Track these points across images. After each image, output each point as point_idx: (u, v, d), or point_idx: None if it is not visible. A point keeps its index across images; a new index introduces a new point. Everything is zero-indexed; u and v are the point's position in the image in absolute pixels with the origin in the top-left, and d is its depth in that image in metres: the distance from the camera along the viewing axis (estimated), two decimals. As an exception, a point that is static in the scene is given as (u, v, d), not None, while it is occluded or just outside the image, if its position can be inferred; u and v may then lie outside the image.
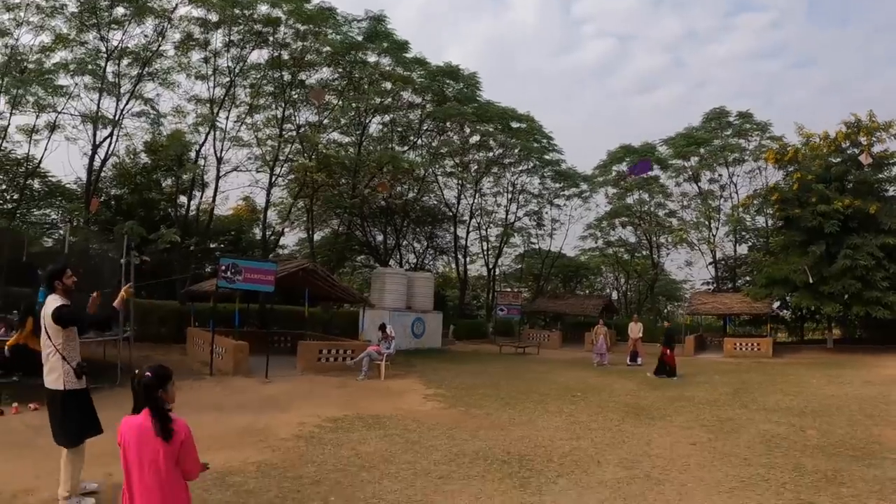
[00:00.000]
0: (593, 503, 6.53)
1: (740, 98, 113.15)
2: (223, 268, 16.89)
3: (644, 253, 45.74)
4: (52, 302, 5.78)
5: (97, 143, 26.50)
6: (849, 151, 30.42)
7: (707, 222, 40.23)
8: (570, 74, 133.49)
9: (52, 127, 26.49)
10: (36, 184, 28.52)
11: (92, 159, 26.80)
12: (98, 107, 26.00)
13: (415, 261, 42.66)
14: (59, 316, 5.73)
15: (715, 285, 40.26)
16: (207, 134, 28.12)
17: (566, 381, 17.56)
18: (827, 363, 23.33)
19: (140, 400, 3.77)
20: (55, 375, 5.77)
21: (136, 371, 3.88)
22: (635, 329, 24.60)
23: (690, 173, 40.44)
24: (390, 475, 7.31)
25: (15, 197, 27.78)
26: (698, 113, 67.66)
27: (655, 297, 47.31)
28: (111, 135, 26.92)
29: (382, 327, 18.67)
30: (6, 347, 11.59)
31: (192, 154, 29.27)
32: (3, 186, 28.29)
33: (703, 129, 39.07)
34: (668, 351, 19.69)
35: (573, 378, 18.50)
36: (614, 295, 50.84)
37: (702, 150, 38.79)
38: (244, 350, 17.05)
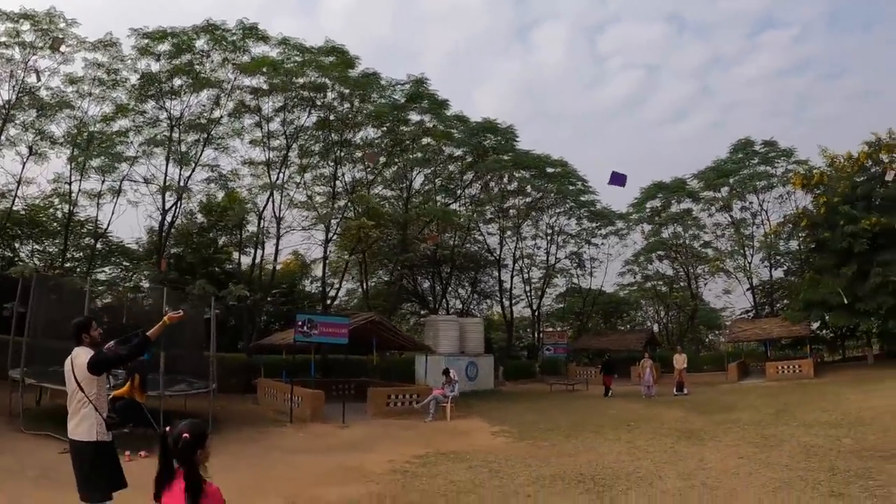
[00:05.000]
0: (660, 506, 7.92)
1: (770, 118, 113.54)
2: (300, 323, 18.52)
3: (682, 284, 46.65)
4: (83, 353, 5.73)
5: (166, 208, 28.80)
6: (872, 170, 31.44)
7: (742, 250, 41.27)
8: (600, 109, 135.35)
9: (117, 191, 28.92)
10: (98, 244, 30.48)
11: (162, 223, 29.01)
12: (165, 174, 28.45)
13: (460, 306, 44.04)
14: (96, 362, 5.69)
15: (754, 311, 41.06)
16: (269, 196, 29.96)
17: (618, 413, 18.81)
18: (866, 379, 24.19)
19: (171, 461, 3.57)
20: (86, 426, 5.63)
21: (168, 428, 3.64)
22: (680, 360, 25.88)
23: (722, 203, 41.61)
24: (486, 497, 8.70)
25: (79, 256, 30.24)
26: (729, 137, 68.79)
27: (696, 328, 47.99)
28: (179, 199, 29.15)
29: (446, 371, 20.12)
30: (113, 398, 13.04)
31: (254, 215, 31.26)
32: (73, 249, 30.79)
33: (731, 161, 40.38)
34: (607, 376, 25.79)
35: (624, 410, 19.73)
36: (655, 328, 51.61)
37: (731, 181, 40.06)
38: (321, 398, 18.52)
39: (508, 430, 15.71)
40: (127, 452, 11.38)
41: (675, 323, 53.01)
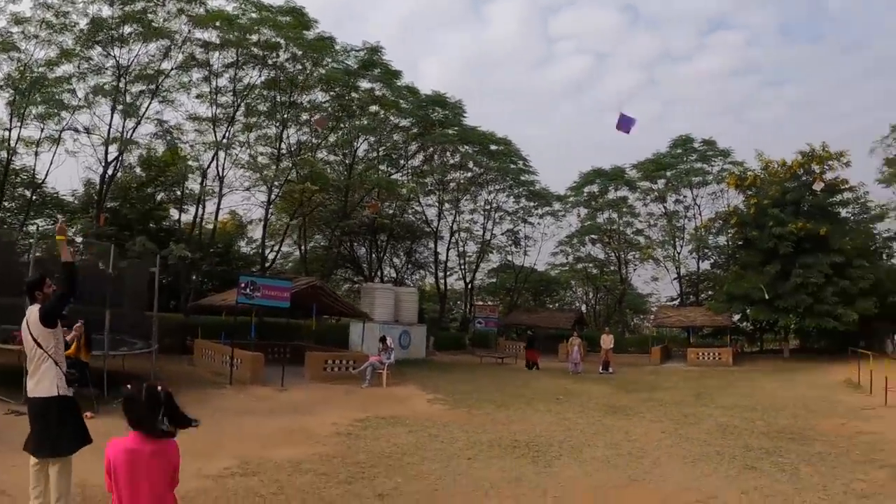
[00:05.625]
0: (590, 470, 8.58)
1: (711, 116, 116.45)
2: (243, 285, 18.63)
3: (612, 269, 48.16)
4: (36, 310, 5.51)
5: (108, 161, 28.11)
6: (804, 178, 33.02)
7: (672, 240, 42.96)
8: (546, 89, 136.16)
9: (57, 140, 28.04)
10: (28, 193, 29.81)
11: (104, 175, 28.30)
12: (109, 126, 27.72)
13: (395, 275, 44.51)
14: (45, 313, 5.47)
15: (679, 300, 42.80)
16: (215, 155, 29.72)
17: (547, 387, 19.64)
18: (781, 370, 25.73)
19: (145, 418, 3.42)
20: (47, 383, 5.46)
21: (131, 385, 3.50)
22: (607, 340, 27.07)
23: (657, 194, 43.11)
24: (429, 459, 9.19)
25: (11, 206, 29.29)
26: (670, 130, 70.67)
27: (623, 311, 49.67)
28: (122, 152, 28.49)
29: (383, 339, 20.54)
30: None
31: (197, 173, 30.95)
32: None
33: (670, 155, 41.88)
34: (532, 350, 27.27)
35: (553, 384, 20.57)
36: (583, 308, 53.13)
37: (668, 174, 41.58)
38: (260, 361, 18.67)
39: (443, 399, 16.26)
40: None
41: (602, 305, 54.74)
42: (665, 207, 43.77)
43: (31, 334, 5.48)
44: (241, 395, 16.05)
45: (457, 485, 7.77)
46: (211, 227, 32.35)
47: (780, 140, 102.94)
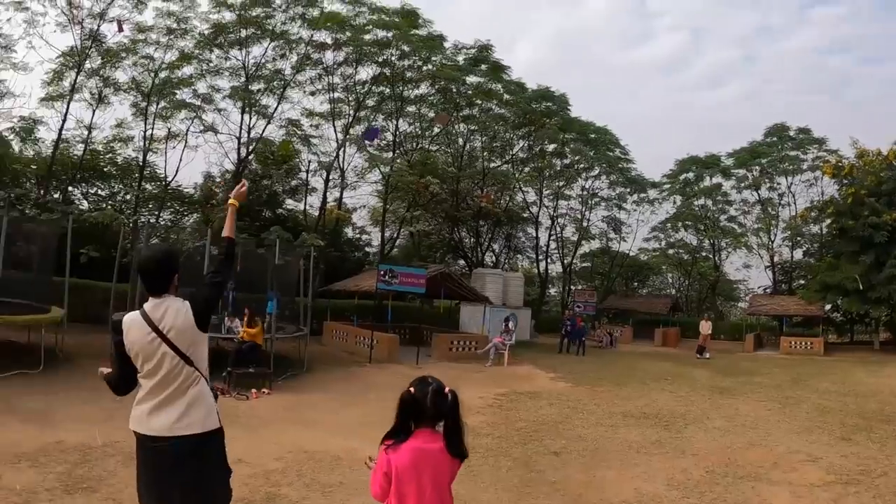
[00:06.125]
0: (715, 436, 10.72)
1: (808, 94, 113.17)
2: (382, 272, 21.28)
3: (704, 255, 49.13)
4: (175, 308, 3.78)
5: (240, 157, 31.22)
6: (899, 169, 33.60)
7: (766, 228, 43.84)
8: (640, 66, 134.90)
9: (183, 138, 30.99)
10: (152, 188, 32.32)
11: (237, 169, 31.09)
12: (240, 127, 30.75)
13: (494, 260, 46.69)
14: (204, 308, 3.89)
15: (772, 288, 43.68)
16: (340, 148, 32.56)
17: (652, 370, 21.56)
18: (871, 361, 26.82)
19: (435, 415, 3.42)
20: (204, 410, 3.81)
21: (411, 389, 3.44)
22: (706, 326, 28.77)
23: (751, 182, 43.93)
24: (578, 426, 11.41)
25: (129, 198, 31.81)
26: (764, 111, 70.14)
27: (716, 298, 50.49)
28: (249, 149, 31.44)
29: (507, 321, 22.89)
30: (241, 340, 15.01)
31: (315, 164, 34.00)
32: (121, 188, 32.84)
33: (765, 143, 42.70)
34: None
35: (654, 367, 22.46)
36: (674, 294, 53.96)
37: (763, 162, 42.47)
38: (396, 341, 21.35)
39: (563, 377, 18.47)
40: (253, 391, 13.29)
41: (694, 291, 55.63)
42: (759, 195, 44.52)
43: (173, 347, 3.72)
44: (383, 372, 18.11)
45: (611, 444, 9.96)
46: (328, 216, 35.01)
47: (877, 120, 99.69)
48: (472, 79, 35.20)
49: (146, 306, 3.80)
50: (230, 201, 4.39)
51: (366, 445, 4.42)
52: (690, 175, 46.08)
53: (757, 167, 43.13)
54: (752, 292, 45.47)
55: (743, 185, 44.51)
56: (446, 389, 3.45)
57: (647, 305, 41.25)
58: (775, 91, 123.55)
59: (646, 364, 23.61)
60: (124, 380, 3.87)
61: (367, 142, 24.78)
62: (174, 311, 3.75)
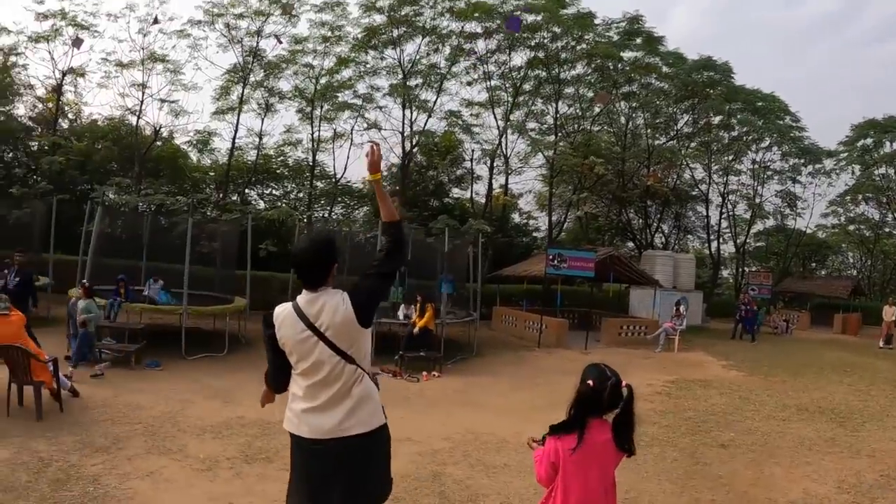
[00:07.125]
0: (895, 435, 10.48)
1: None
2: (551, 257, 21.76)
3: (888, 230, 45.16)
4: (333, 302, 3.53)
5: (405, 152, 32.67)
6: None
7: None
8: (799, 27, 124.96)
9: (349, 137, 32.97)
10: (323, 185, 34.77)
11: (403, 164, 32.88)
12: (402, 122, 32.01)
13: (663, 242, 45.67)
14: (368, 303, 3.63)
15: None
16: (502, 136, 33.32)
17: (829, 359, 20.62)
18: None
19: (609, 408, 3.53)
20: (369, 409, 3.62)
21: (591, 382, 3.52)
22: (889, 312, 26.54)
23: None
24: (749, 418, 11.48)
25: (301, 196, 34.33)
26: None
27: (902, 280, 46.48)
28: (414, 144, 32.90)
29: (678, 305, 22.75)
30: (416, 328, 16.01)
31: (479, 153, 35.11)
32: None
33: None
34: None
35: (832, 357, 21.40)
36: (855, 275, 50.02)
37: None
38: (565, 326, 21.81)
39: (736, 365, 18.21)
40: (423, 373, 14.26)
41: (878, 272, 51.63)
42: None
43: (333, 346, 3.51)
44: (551, 356, 18.72)
45: (781, 440, 10.02)
46: (494, 202, 35.89)
47: None
48: (628, 54, 34.66)
49: (300, 300, 3.61)
50: (368, 178, 4.04)
51: (534, 429, 4.64)
52: (869, 141, 42.12)
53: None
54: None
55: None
56: (623, 384, 3.50)
57: (825, 288, 38.71)
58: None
59: (823, 353, 22.65)
60: (283, 375, 3.73)
61: (512, 30, 25.92)
62: (332, 306, 3.51)
